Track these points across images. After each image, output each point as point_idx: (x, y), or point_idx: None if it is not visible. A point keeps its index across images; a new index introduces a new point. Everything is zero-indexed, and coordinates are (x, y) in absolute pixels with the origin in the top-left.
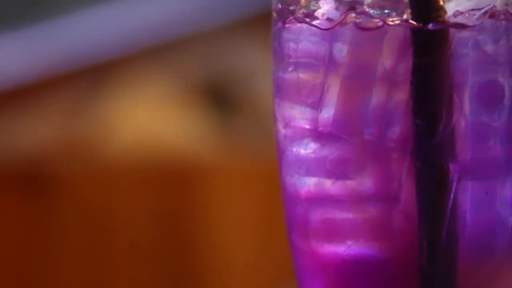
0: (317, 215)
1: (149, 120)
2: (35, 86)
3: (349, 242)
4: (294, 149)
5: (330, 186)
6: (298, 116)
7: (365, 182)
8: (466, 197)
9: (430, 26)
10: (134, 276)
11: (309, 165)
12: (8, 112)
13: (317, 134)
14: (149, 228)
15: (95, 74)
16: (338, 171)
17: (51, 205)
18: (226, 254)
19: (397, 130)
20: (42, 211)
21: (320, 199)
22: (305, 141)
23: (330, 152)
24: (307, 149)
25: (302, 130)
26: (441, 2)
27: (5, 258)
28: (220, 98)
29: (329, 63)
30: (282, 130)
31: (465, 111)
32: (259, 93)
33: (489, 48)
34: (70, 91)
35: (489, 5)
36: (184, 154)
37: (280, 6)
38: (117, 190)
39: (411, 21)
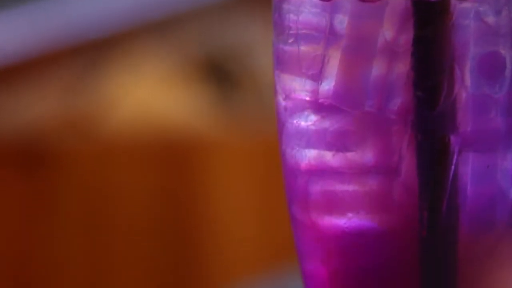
0: (317, 187)
1: (149, 96)
2: (34, 61)
3: (349, 214)
4: (295, 121)
5: (331, 158)
6: (299, 88)
7: (366, 154)
8: (467, 169)
9: None
10: (133, 251)
11: (309, 137)
12: (8, 88)
13: (318, 106)
14: (149, 203)
15: (95, 50)
16: (338, 143)
17: (50, 181)
18: (226, 229)
19: (398, 102)
20: (41, 187)
21: (321, 171)
22: (306, 113)
23: (330, 124)
24: (307, 121)
25: (303, 102)
26: None
27: (3, 234)
28: (220, 74)
29: (330, 34)
30: (283, 102)
31: (466, 83)
32: (259, 68)
33: (490, 19)
34: (69, 67)
35: None
36: (184, 130)
37: None
38: (116, 166)
39: None
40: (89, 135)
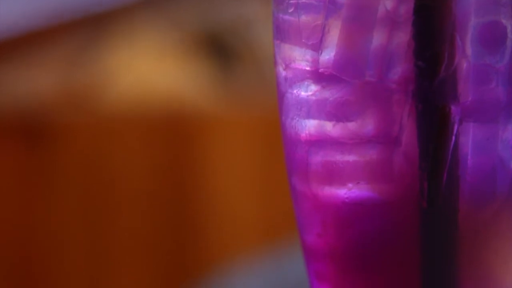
0: (317, 157)
1: (149, 70)
2: (35, 35)
3: (349, 185)
4: (295, 91)
5: (331, 128)
6: (299, 58)
7: (366, 124)
8: (468, 139)
9: None
10: (133, 226)
11: (309, 108)
12: (8, 62)
13: (318, 76)
14: (148, 177)
15: (95, 24)
16: (339, 113)
17: (50, 155)
18: (226, 203)
19: (398, 71)
20: (41, 161)
21: (321, 142)
22: (306, 83)
23: (330, 94)
24: (307, 91)
25: (303, 72)
26: None
27: (4, 208)
28: (220, 48)
29: (330, 4)
30: (283, 73)
31: (467, 52)
32: (259, 42)
33: None
34: (70, 41)
35: None
36: (183, 104)
37: None
38: (116, 140)
39: None
40: (89, 109)
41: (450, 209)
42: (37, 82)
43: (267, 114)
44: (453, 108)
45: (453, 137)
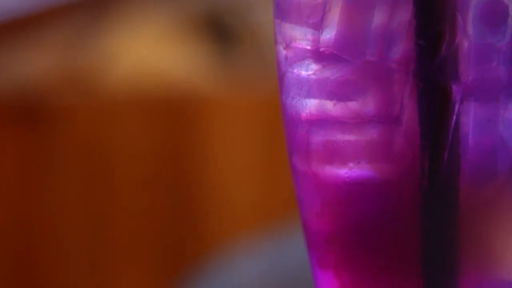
0: (318, 137)
1: (148, 52)
2: (35, 17)
3: (350, 164)
4: (295, 71)
5: (332, 107)
6: (299, 37)
7: (367, 104)
8: (469, 119)
9: None
10: (133, 209)
11: (310, 87)
12: (8, 43)
13: (319, 55)
14: (148, 159)
15: (95, 6)
16: (339, 92)
17: (50, 137)
18: (227, 187)
19: (399, 50)
20: (41, 144)
21: (321, 121)
22: (306, 62)
23: (331, 73)
24: (308, 71)
25: (303, 51)
26: None
27: (3, 190)
28: (221, 30)
29: None
30: (283, 52)
31: (468, 31)
32: (259, 25)
33: None
34: (69, 23)
35: None
36: (183, 86)
37: None
38: (116, 122)
39: None
40: (89, 91)
41: (451, 188)
42: (36, 64)
43: (267, 97)
44: (454, 87)
45: (454, 117)
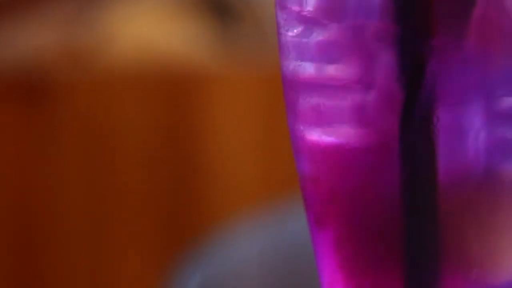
0: (304, 99)
1: (149, 28)
2: None
3: (332, 128)
4: (287, 33)
5: (314, 70)
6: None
7: (347, 67)
8: (443, 83)
9: None
10: (134, 184)
11: (297, 49)
12: (7, 20)
13: (303, 18)
14: (149, 136)
15: None
16: (321, 55)
17: (50, 113)
18: (227, 162)
19: (377, 14)
20: (41, 119)
21: (307, 84)
22: (294, 24)
23: (314, 36)
24: (294, 33)
25: (292, 13)
26: None
27: (4, 166)
28: (221, 6)
29: None
30: (278, 14)
31: None
32: (259, 1)
33: None
34: None
35: None
36: (184, 63)
37: None
38: (116, 98)
39: None
40: (89, 68)
41: (426, 149)
42: (36, 41)
43: (268, 73)
44: (426, 51)
45: (426, 81)
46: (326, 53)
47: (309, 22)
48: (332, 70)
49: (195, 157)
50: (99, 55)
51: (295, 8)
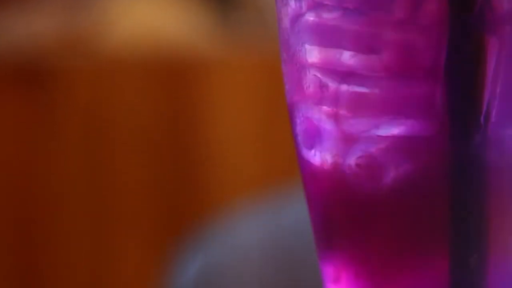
0: (344, 89)
1: (149, 14)
2: None
3: (381, 118)
4: (316, 16)
5: (351, 58)
6: None
7: (392, 57)
8: (508, 71)
9: None
10: (134, 170)
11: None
12: (6, 6)
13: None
14: (149, 122)
15: None
16: (359, 43)
17: (50, 100)
18: (227, 148)
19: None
20: (40, 105)
21: (346, 73)
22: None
23: (356, 22)
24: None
25: None
26: None
27: (4, 153)
28: None
29: None
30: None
31: None
32: None
33: None
34: None
35: None
36: (184, 49)
37: None
38: (116, 85)
39: None
40: (89, 54)
41: (484, 150)
42: (36, 26)
43: (268, 59)
44: (491, 39)
45: (492, 71)
46: (364, 41)
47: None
48: (374, 60)
49: (195, 145)
50: (99, 42)
51: None
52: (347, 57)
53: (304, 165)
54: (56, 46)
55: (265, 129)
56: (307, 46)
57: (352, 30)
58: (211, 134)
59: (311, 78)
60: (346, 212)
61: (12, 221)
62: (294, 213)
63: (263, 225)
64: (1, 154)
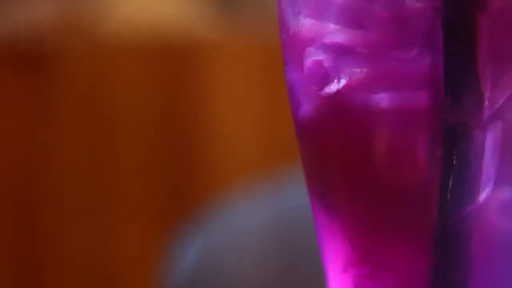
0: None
1: None
2: None
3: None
4: None
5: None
6: None
7: (386, 35)
8: (499, 50)
9: None
10: (133, 153)
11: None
12: None
13: None
14: (149, 105)
15: None
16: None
17: (50, 82)
18: (227, 131)
19: None
20: (41, 89)
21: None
22: None
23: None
24: None
25: None
26: None
27: (4, 136)
28: None
29: None
30: None
31: None
32: None
33: None
34: None
35: None
36: (184, 33)
37: None
38: (116, 68)
39: None
40: (89, 37)
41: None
42: (36, 10)
43: (267, 43)
44: (481, 18)
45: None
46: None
47: None
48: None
49: (194, 130)
50: (99, 26)
51: None
52: (343, 32)
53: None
54: (56, 30)
55: (264, 113)
56: (305, 20)
57: (349, 4)
58: (211, 118)
59: (310, 56)
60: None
61: (12, 207)
62: (293, 197)
63: (262, 209)
64: (2, 137)
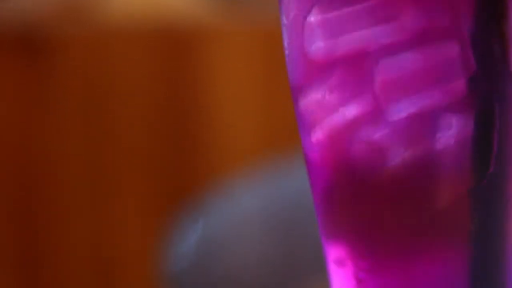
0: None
1: None
2: None
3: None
4: None
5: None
6: None
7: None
8: None
9: None
10: (133, 138)
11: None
12: None
13: None
14: (148, 91)
15: None
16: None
17: (49, 67)
18: (227, 116)
19: None
20: (40, 74)
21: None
22: None
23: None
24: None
25: None
26: None
27: (3, 121)
28: None
29: None
30: None
31: None
32: None
33: None
34: None
35: None
36: (184, 18)
37: None
38: (115, 53)
39: None
40: (88, 22)
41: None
42: None
43: (267, 27)
44: None
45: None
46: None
47: None
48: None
49: (195, 114)
50: (99, 10)
51: None
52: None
53: (307, 150)
54: (56, 16)
55: (265, 97)
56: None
57: None
58: (212, 102)
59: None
60: (351, 196)
61: (11, 187)
62: (294, 182)
63: (263, 193)
64: (1, 122)
